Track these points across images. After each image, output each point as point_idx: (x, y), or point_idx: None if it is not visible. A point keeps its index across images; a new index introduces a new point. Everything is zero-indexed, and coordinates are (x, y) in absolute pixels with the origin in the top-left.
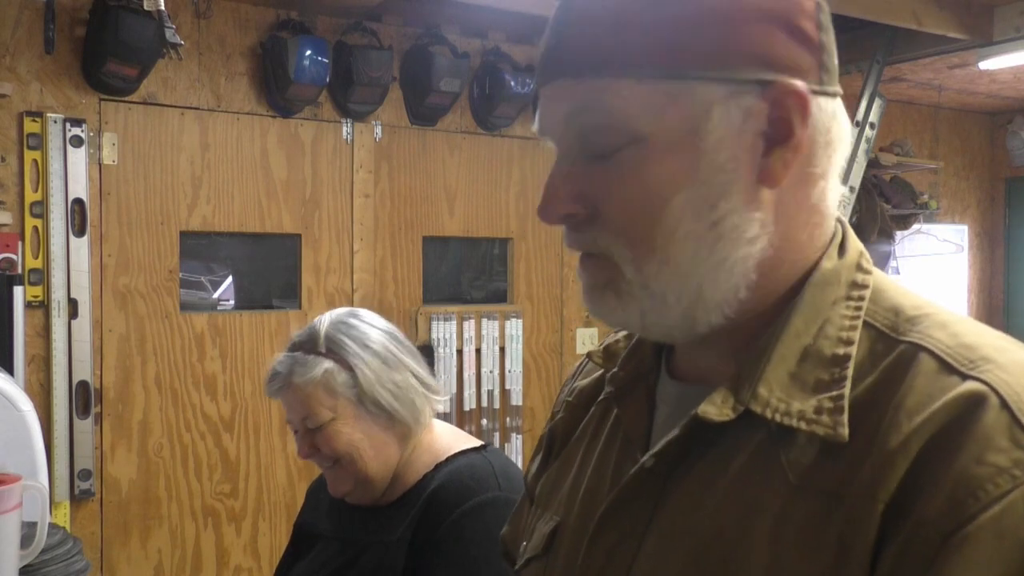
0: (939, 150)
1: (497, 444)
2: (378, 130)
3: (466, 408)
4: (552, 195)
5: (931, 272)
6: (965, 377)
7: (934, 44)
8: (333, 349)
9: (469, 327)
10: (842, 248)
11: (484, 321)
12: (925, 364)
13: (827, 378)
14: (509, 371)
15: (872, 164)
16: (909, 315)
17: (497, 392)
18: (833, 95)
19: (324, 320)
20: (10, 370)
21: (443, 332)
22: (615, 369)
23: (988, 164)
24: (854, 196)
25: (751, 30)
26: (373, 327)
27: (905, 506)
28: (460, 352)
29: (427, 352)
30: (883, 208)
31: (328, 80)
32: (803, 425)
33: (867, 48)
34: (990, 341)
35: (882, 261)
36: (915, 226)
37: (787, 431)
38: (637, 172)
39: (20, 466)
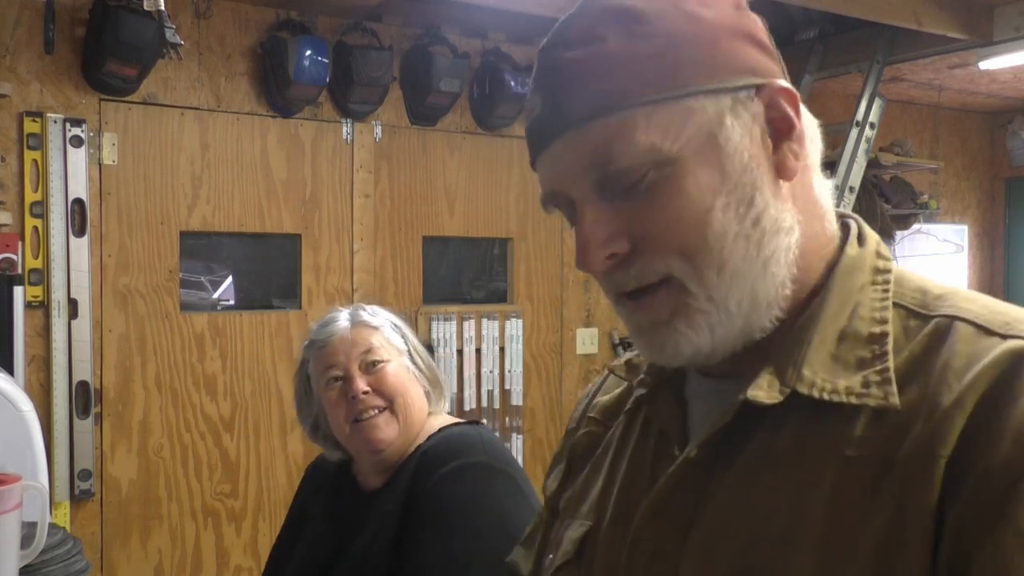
0: (939, 150)
1: None
2: (378, 130)
3: (466, 408)
4: (589, 243)
5: (931, 272)
6: (1005, 337)
7: (934, 44)
8: (383, 319)
9: (469, 327)
10: (860, 238)
11: (484, 321)
12: (963, 331)
13: (868, 355)
14: (509, 371)
15: (872, 164)
16: (936, 294)
17: (497, 392)
18: None
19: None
20: (10, 370)
21: (443, 332)
22: (642, 375)
23: (988, 164)
24: (854, 196)
25: (732, 46)
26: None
27: (968, 459)
28: (460, 352)
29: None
30: (883, 208)
31: (328, 80)
32: (853, 399)
33: (867, 48)
34: (1014, 309)
35: None
36: (915, 226)
37: (834, 408)
38: (675, 191)
39: (20, 466)
